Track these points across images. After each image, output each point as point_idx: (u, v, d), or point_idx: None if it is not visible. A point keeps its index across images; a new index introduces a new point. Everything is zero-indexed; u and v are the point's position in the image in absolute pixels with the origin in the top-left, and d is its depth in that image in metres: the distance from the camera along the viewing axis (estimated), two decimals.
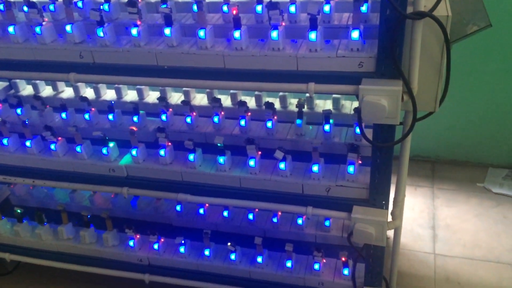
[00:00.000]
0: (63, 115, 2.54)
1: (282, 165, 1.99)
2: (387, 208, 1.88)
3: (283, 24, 1.69)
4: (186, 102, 2.35)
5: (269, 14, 1.66)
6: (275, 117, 2.27)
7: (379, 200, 1.87)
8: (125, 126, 2.49)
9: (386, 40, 1.53)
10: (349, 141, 2.19)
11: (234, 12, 1.70)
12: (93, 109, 2.52)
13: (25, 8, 2.18)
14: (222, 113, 2.37)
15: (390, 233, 2.04)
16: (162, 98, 2.39)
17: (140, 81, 1.89)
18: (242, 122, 2.31)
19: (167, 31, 1.80)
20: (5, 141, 2.37)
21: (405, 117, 1.71)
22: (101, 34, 1.86)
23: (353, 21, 1.62)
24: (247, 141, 2.00)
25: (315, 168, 1.95)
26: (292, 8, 1.88)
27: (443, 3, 1.53)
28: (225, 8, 1.95)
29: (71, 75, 1.94)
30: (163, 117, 2.43)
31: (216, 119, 2.36)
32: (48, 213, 2.78)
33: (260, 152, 2.05)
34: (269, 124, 2.27)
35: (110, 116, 2.48)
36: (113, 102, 2.48)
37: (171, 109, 2.45)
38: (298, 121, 2.24)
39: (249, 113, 2.32)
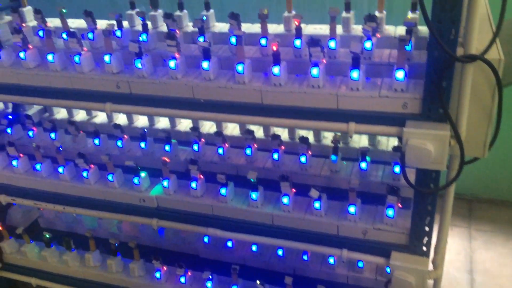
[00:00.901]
0: (96, 141, 2.54)
1: (317, 204, 1.92)
2: (428, 255, 1.78)
3: (324, 61, 1.64)
4: (219, 133, 2.32)
5: (310, 50, 1.61)
6: (310, 152, 2.21)
7: (420, 246, 1.78)
8: (156, 155, 2.47)
9: (433, 82, 1.46)
10: (387, 181, 2.10)
11: (274, 48, 1.66)
12: (125, 136, 2.51)
13: (64, 36, 2.23)
14: (255, 145, 2.32)
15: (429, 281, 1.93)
16: (195, 128, 2.37)
17: (176, 113, 1.87)
18: (275, 156, 2.26)
19: (204, 64, 1.78)
20: (38, 166, 2.37)
21: (451, 161, 1.63)
22: (139, 66, 1.85)
23: (398, 60, 1.56)
24: (281, 178, 1.94)
25: (351, 209, 1.87)
26: (332, 44, 1.84)
27: (494, 45, 1.46)
28: (263, 41, 1.92)
29: (107, 105, 1.93)
30: (195, 147, 2.40)
31: (248, 151, 2.31)
32: (76, 238, 2.77)
33: (294, 190, 1.98)
34: (303, 159, 2.21)
35: (142, 144, 2.46)
36: (145, 130, 2.47)
37: (203, 139, 2.42)
38: (333, 157, 2.17)
39: (283, 147, 2.26)
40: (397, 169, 2.06)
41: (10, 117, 2.74)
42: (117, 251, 2.57)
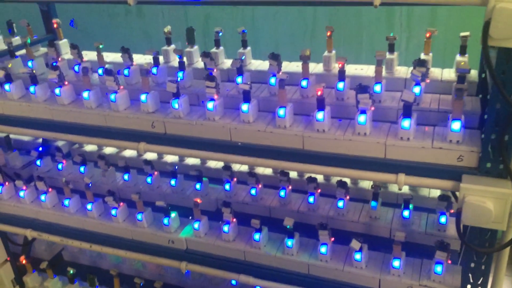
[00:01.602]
0: (126, 176, 2.49)
1: (358, 256, 1.80)
2: None
3: (372, 108, 1.56)
4: (252, 174, 2.23)
5: (357, 97, 1.53)
6: (347, 197, 2.10)
7: None
8: (186, 192, 2.40)
9: (494, 135, 1.36)
10: (431, 231, 1.97)
11: (319, 93, 1.58)
12: (155, 172, 2.45)
13: (100, 71, 2.20)
14: (290, 187, 2.23)
15: None
16: (227, 167, 2.29)
17: (212, 156, 1.80)
18: (311, 199, 2.16)
19: (244, 107, 1.71)
20: (66, 202, 2.32)
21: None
22: (176, 106, 1.79)
23: (454, 110, 1.46)
24: (320, 226, 1.83)
25: (396, 263, 1.75)
26: (378, 88, 1.76)
27: None
28: (304, 83, 1.86)
29: (141, 144, 1.88)
30: (227, 186, 2.32)
31: (282, 193, 2.22)
32: (99, 274, 2.69)
33: (333, 239, 1.87)
34: (340, 203, 2.10)
35: (173, 182, 2.39)
36: (176, 167, 2.40)
37: (235, 179, 2.33)
38: (373, 204, 2.06)
39: (319, 190, 2.16)
40: (443, 219, 1.94)
41: (40, 149, 2.71)
42: None
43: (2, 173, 2.48)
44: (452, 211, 1.95)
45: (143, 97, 1.85)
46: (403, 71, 1.97)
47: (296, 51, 1.89)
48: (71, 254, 2.98)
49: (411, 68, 1.76)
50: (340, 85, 1.79)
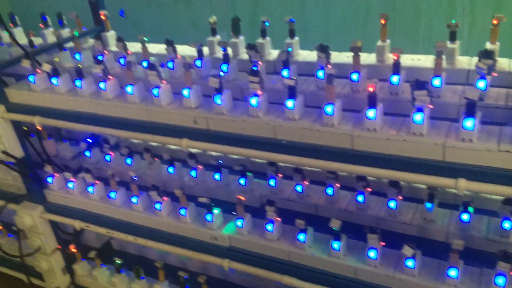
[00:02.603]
0: (171, 169, 2.47)
1: (410, 263, 1.68)
2: None
3: (430, 106, 1.42)
4: (298, 170, 2.14)
5: (414, 94, 1.40)
6: (400, 197, 1.97)
7: None
8: (231, 187, 2.35)
9: None
10: (493, 237, 1.81)
11: (371, 89, 1.46)
12: (200, 166, 2.41)
13: (145, 64, 2.17)
14: (338, 185, 2.12)
15: None
16: (272, 163, 2.21)
17: (256, 154, 1.73)
18: (360, 198, 2.04)
19: (289, 103, 1.62)
20: (112, 194, 2.33)
21: None
22: (219, 102, 1.73)
23: None
24: (370, 229, 1.72)
25: (452, 273, 1.61)
26: (437, 82, 1.61)
27: None
28: (354, 77, 1.73)
29: (184, 140, 1.83)
30: (272, 182, 2.24)
31: (330, 191, 2.11)
32: (146, 265, 2.71)
33: (383, 244, 1.76)
34: (392, 204, 1.98)
35: (217, 176, 2.35)
36: (221, 161, 2.35)
37: (280, 175, 2.25)
38: (428, 205, 1.92)
39: (369, 189, 2.04)
40: (506, 225, 1.77)
41: (89, 140, 2.75)
42: (186, 284, 2.46)
43: (52, 164, 2.53)
44: None
45: (185, 92, 1.80)
46: (465, 62, 1.80)
47: (347, 40, 1.77)
48: (119, 243, 3.03)
49: (475, 58, 1.60)
50: (395, 78, 1.66)
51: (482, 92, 1.51)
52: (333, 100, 1.55)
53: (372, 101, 1.48)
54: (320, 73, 1.78)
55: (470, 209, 1.86)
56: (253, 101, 1.67)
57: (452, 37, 1.78)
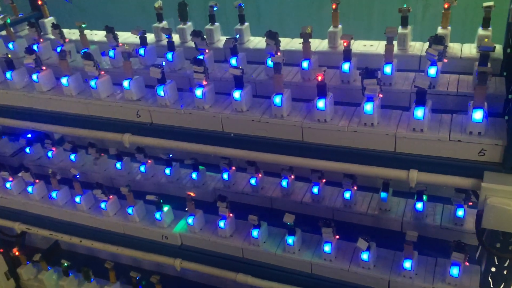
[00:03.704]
0: (118, 165, 2.33)
1: (365, 256, 1.64)
2: None
3: (380, 95, 1.36)
4: (251, 163, 2.06)
5: (363, 83, 1.33)
6: (355, 188, 1.92)
7: None
8: (183, 182, 2.24)
9: None
10: (446, 225, 1.80)
11: (320, 78, 1.38)
12: (149, 161, 2.29)
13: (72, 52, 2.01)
14: (292, 176, 2.05)
15: None
16: (225, 157, 2.11)
17: (202, 148, 1.62)
18: (315, 190, 1.99)
19: (236, 94, 1.52)
20: (54, 194, 2.18)
21: None
22: (161, 93, 1.61)
23: (476, 97, 1.26)
24: (324, 223, 1.66)
25: (407, 264, 1.58)
26: (388, 69, 1.55)
27: None
28: (305, 64, 1.65)
29: (126, 136, 1.71)
30: (225, 175, 2.15)
31: (285, 183, 2.04)
32: (96, 265, 2.58)
33: (337, 237, 1.70)
34: (347, 194, 1.93)
35: (167, 171, 2.23)
36: (171, 155, 2.23)
37: (233, 168, 2.16)
38: (383, 195, 1.88)
39: (324, 180, 1.99)
40: (460, 212, 1.76)
41: (29, 135, 2.56)
42: (139, 285, 2.35)
43: None
44: (470, 203, 1.76)
45: (125, 83, 1.67)
46: (417, 48, 1.76)
47: (301, 26, 1.68)
48: (68, 243, 2.87)
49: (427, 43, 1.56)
50: (345, 66, 1.59)
51: (432, 79, 1.47)
52: (282, 90, 1.46)
53: (321, 91, 1.40)
54: (270, 61, 1.69)
55: (424, 197, 1.83)
56: (198, 92, 1.56)
57: (404, 22, 1.73)
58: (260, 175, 2.10)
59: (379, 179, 1.95)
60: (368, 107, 1.34)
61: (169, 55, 1.86)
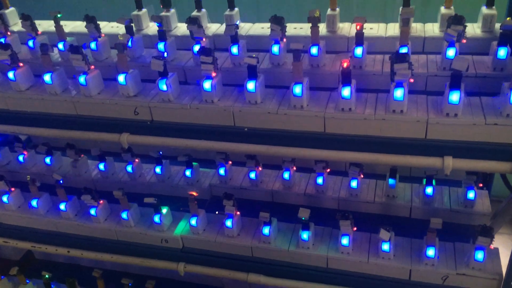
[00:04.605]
0: (101, 166, 2.15)
1: (385, 246, 1.59)
2: None
3: (411, 80, 1.29)
4: (251, 156, 1.96)
5: (393, 68, 1.25)
6: (361, 176, 1.87)
7: None
8: (174, 180, 2.11)
9: None
10: (456, 208, 1.78)
11: (345, 64, 1.30)
12: (136, 160, 2.13)
13: (61, 46, 1.82)
14: (294, 168, 1.97)
15: None
16: (221, 152, 2.00)
17: (212, 146, 1.50)
18: (319, 180, 1.92)
19: (250, 85, 1.41)
20: (34, 202, 1.98)
21: None
22: (164, 88, 1.47)
23: None
24: (342, 216, 1.60)
25: (430, 252, 1.54)
26: (404, 50, 1.48)
27: None
28: (314, 50, 1.56)
29: (124, 136, 1.55)
30: (221, 171, 2.04)
31: (287, 175, 1.96)
32: (79, 273, 2.40)
33: (355, 228, 1.64)
34: (354, 183, 1.87)
35: (158, 169, 2.08)
36: (161, 152, 2.08)
37: (230, 162, 2.05)
38: (391, 181, 1.84)
39: (328, 170, 1.92)
40: (471, 194, 1.74)
41: None
42: None
43: None
44: (480, 184, 1.76)
45: (121, 78, 1.51)
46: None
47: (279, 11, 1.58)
48: (42, 252, 2.65)
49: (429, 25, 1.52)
50: (358, 50, 1.51)
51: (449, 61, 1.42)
52: (301, 79, 1.36)
53: (346, 78, 1.32)
54: (275, 48, 1.58)
55: (434, 182, 1.81)
56: (207, 84, 1.43)
57: (406, 3, 1.66)
58: (260, 169, 2.00)
59: (386, 166, 1.91)
60: (399, 93, 1.27)
61: (161, 45, 1.71)
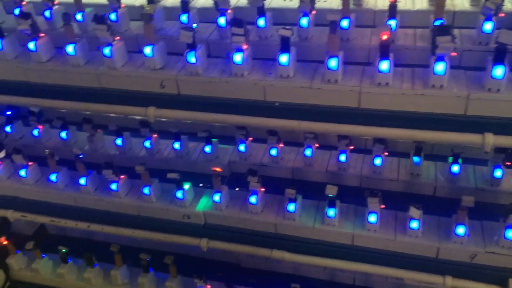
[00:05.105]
0: (119, 141, 2.12)
1: (414, 224, 1.57)
2: None
3: (454, 54, 1.25)
4: (273, 132, 1.92)
5: (435, 41, 1.21)
6: (386, 153, 1.84)
7: None
8: (192, 157, 2.08)
9: None
10: (482, 186, 1.76)
11: (385, 37, 1.25)
12: (155, 135, 2.10)
13: (79, 16, 1.76)
14: (316, 145, 1.94)
15: None
16: (241, 127, 1.96)
17: (241, 120, 1.47)
18: (342, 157, 1.89)
19: (283, 58, 1.36)
20: (53, 177, 1.95)
21: None
22: (193, 60, 1.42)
23: None
24: (371, 193, 1.58)
25: (460, 230, 1.53)
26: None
27: None
28: (344, 23, 1.51)
29: (150, 109, 1.52)
30: (241, 147, 2.00)
31: (308, 152, 1.93)
32: (94, 248, 2.40)
33: (383, 206, 1.63)
34: (377, 161, 1.85)
35: (177, 145, 2.05)
36: (179, 129, 2.05)
37: (251, 138, 2.02)
38: (416, 159, 1.81)
39: (352, 147, 1.89)
40: (498, 173, 1.72)
41: (8, 112, 2.28)
42: (149, 267, 2.20)
43: None
44: (508, 163, 1.73)
45: (147, 50, 1.47)
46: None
47: None
48: (56, 226, 2.64)
49: None
50: (392, 23, 1.46)
51: (488, 36, 1.37)
52: (337, 52, 1.32)
53: (384, 51, 1.28)
54: (304, 21, 1.53)
55: (460, 160, 1.78)
56: (238, 57, 1.39)
57: None
58: (281, 145, 1.97)
59: (410, 143, 1.88)
60: (440, 67, 1.23)
61: (184, 17, 1.65)
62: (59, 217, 2.00)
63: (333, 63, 1.31)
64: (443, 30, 1.20)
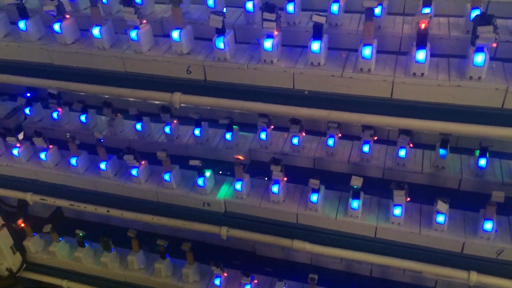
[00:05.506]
0: (138, 126, 2.10)
1: (440, 218, 1.55)
2: None
3: (495, 45, 1.21)
4: (296, 121, 1.90)
5: (476, 31, 1.17)
6: (411, 145, 1.81)
7: None
8: (213, 143, 2.06)
9: None
10: (509, 181, 1.73)
11: (423, 26, 1.21)
12: (175, 121, 2.08)
13: None
14: (339, 134, 1.91)
15: None
16: (264, 115, 1.94)
17: (269, 108, 1.44)
18: (366, 148, 1.86)
19: (315, 46, 1.33)
20: (73, 160, 1.94)
21: None
22: (221, 46, 1.39)
23: None
24: (397, 186, 1.55)
25: (487, 225, 1.50)
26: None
27: None
28: (377, 10, 1.47)
29: (176, 95, 1.49)
30: (263, 135, 1.98)
31: (331, 141, 1.90)
32: (110, 232, 2.41)
33: (409, 199, 1.60)
34: (402, 152, 1.82)
35: (197, 131, 2.03)
36: (200, 116, 2.02)
37: (272, 126, 1.99)
38: (442, 151, 1.78)
39: (375, 137, 1.86)
40: None
41: (28, 94, 2.27)
42: (166, 253, 2.20)
43: None
44: None
45: (175, 34, 1.44)
46: None
47: None
48: (72, 210, 2.64)
49: None
50: (426, 10, 1.42)
51: None
52: (371, 40, 1.29)
53: (422, 40, 1.24)
54: (335, 7, 1.50)
55: (487, 154, 1.75)
56: (268, 43, 1.36)
57: None
58: (303, 134, 1.94)
59: (435, 135, 1.85)
60: (479, 58, 1.19)
61: (211, 1, 1.62)
62: (78, 201, 1.99)
63: (367, 51, 1.28)
64: (485, 20, 1.16)
